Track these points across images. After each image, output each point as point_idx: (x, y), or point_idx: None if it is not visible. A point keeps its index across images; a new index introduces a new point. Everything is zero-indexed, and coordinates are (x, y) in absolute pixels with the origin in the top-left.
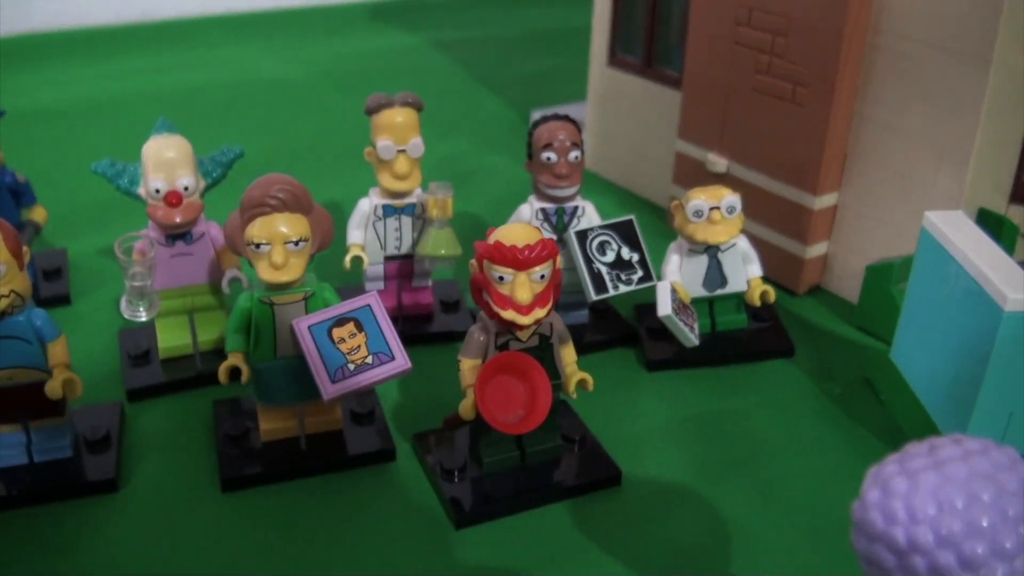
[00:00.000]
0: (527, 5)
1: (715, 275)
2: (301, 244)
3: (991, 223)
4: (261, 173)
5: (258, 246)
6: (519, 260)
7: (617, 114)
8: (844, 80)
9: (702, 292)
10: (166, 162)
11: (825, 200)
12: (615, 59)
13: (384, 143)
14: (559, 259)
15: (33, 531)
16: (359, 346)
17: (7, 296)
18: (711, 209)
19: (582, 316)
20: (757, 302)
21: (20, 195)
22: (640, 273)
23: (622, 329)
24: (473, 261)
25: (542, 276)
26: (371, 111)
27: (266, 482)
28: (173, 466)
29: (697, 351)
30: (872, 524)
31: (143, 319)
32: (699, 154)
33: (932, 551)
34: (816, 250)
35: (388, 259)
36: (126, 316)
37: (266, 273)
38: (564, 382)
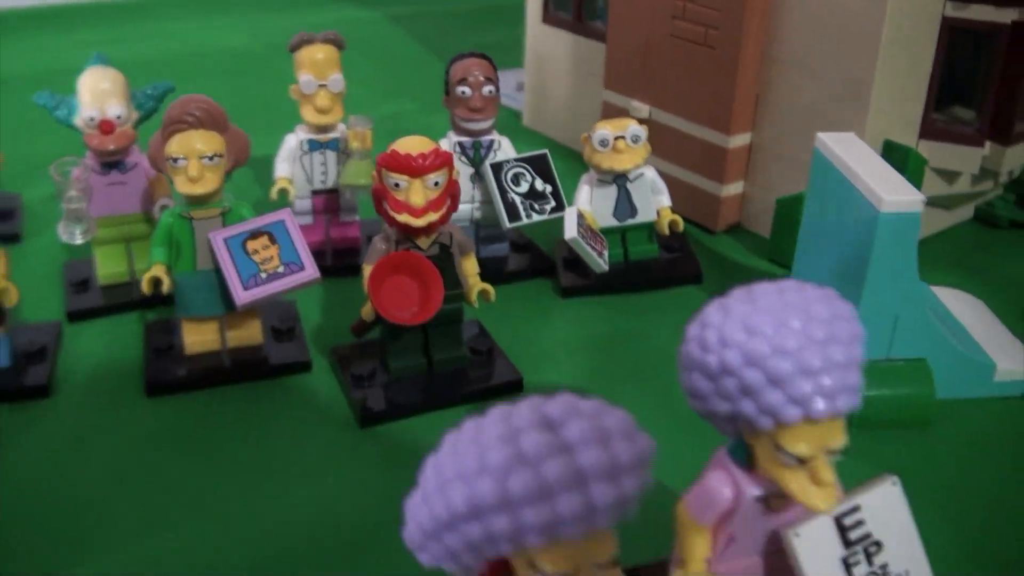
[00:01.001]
0: None
1: (624, 205)
2: (215, 159)
3: (896, 154)
4: None
5: (175, 160)
6: (413, 167)
7: (552, 71)
8: (752, 21)
9: (613, 222)
10: (100, 92)
11: (738, 140)
12: (548, 16)
13: (305, 78)
14: (455, 170)
15: None
16: (271, 256)
17: None
18: (616, 138)
19: (502, 249)
20: (666, 231)
21: None
22: (553, 203)
23: (541, 261)
24: (374, 173)
25: (436, 183)
26: (294, 48)
27: (188, 388)
28: (104, 376)
29: (609, 278)
30: (690, 355)
31: (79, 242)
32: (624, 103)
33: (740, 370)
34: (732, 189)
35: (315, 193)
36: (63, 239)
37: (183, 186)
38: (466, 291)
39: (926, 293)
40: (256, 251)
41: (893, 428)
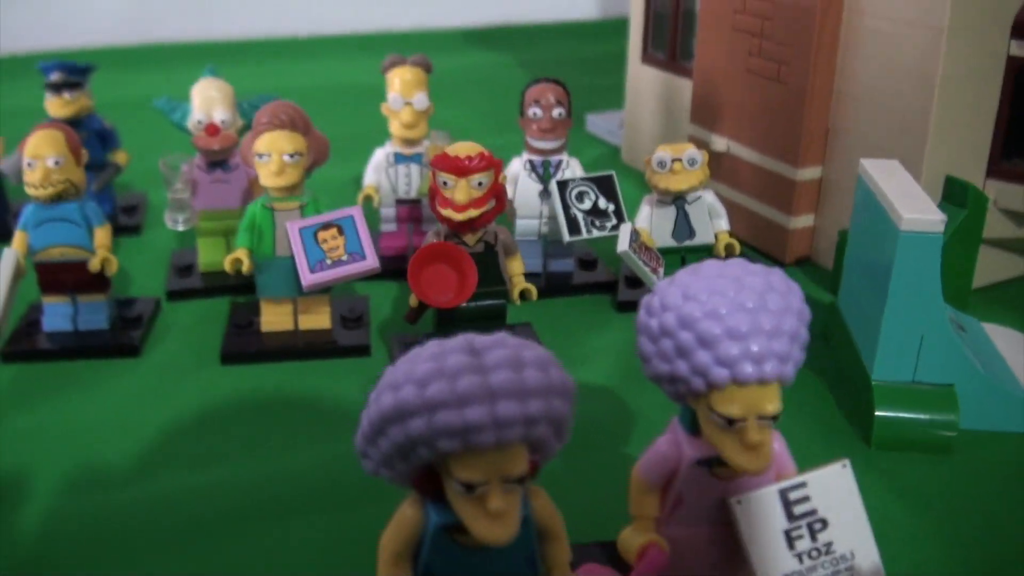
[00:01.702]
0: (597, 33)
1: (683, 226)
2: (296, 157)
3: (956, 190)
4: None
5: (261, 156)
6: (459, 167)
7: (647, 109)
8: (820, 56)
9: (672, 243)
10: (208, 99)
11: (807, 173)
12: (647, 56)
13: (393, 96)
14: (503, 174)
15: (71, 378)
16: (338, 247)
17: (63, 183)
18: (673, 160)
19: (568, 264)
20: (722, 253)
21: (106, 139)
22: (614, 221)
23: (605, 278)
24: (429, 174)
25: (480, 183)
26: (385, 69)
27: (258, 360)
28: (189, 345)
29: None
30: (639, 320)
31: (181, 228)
32: (706, 136)
33: (675, 332)
34: (801, 222)
35: (399, 202)
36: (168, 225)
37: (267, 179)
38: (509, 289)
39: (962, 320)
40: (325, 241)
41: (913, 451)
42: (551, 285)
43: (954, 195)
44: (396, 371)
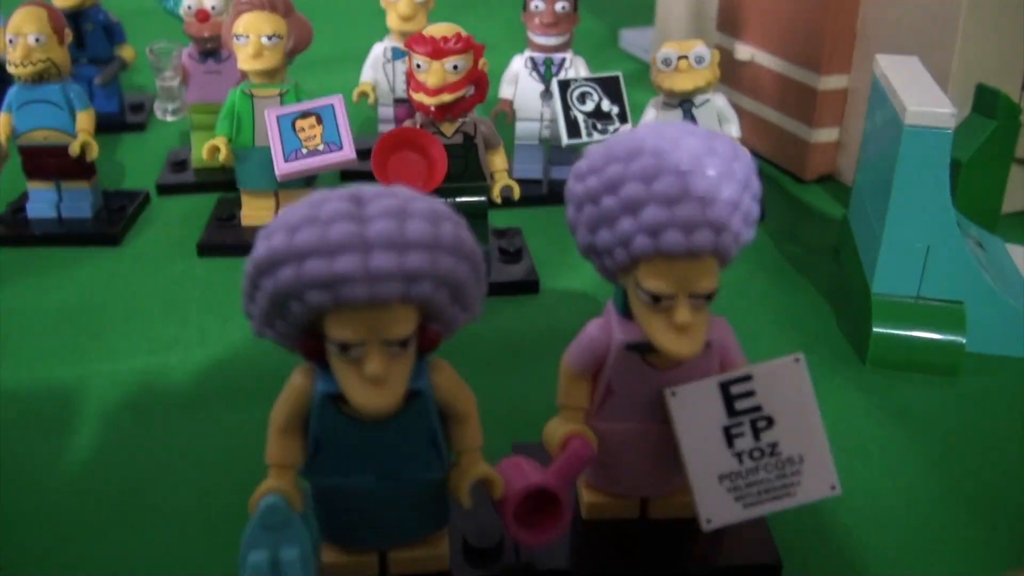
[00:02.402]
0: None
1: None
2: (274, 39)
3: (987, 99)
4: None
5: (239, 38)
6: (434, 48)
7: (677, 18)
8: None
9: None
10: None
11: (831, 81)
12: None
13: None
14: (483, 60)
15: (49, 263)
16: (315, 136)
17: (44, 62)
18: (679, 58)
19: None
20: None
21: (112, 33)
22: (617, 124)
23: None
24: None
25: (455, 67)
26: None
27: (235, 253)
28: (171, 237)
29: None
30: (566, 189)
31: (171, 119)
32: (731, 45)
33: (599, 197)
34: (823, 135)
35: (397, 102)
36: (157, 115)
37: (244, 62)
38: (490, 185)
39: (982, 238)
40: (303, 129)
41: (914, 372)
42: (553, 192)
43: (985, 105)
44: (275, 219)
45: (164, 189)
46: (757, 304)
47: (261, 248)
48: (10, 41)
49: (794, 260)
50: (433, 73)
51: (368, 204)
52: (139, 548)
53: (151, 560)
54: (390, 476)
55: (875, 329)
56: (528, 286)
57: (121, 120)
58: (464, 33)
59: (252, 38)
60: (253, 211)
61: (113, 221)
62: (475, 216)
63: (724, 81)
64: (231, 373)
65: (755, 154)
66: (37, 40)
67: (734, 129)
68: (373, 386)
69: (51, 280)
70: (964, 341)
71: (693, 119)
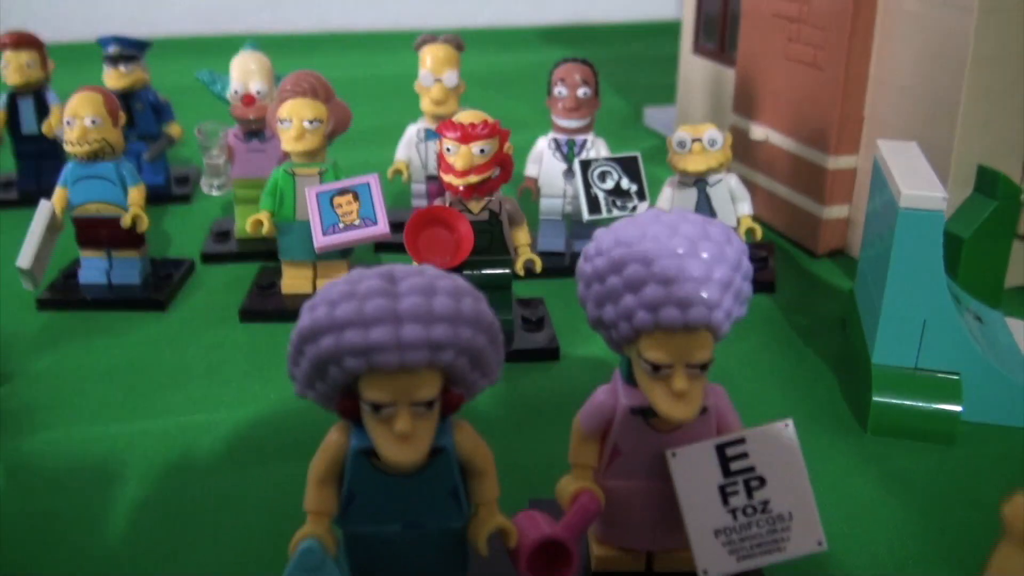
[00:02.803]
0: (675, 31)
1: (704, 208)
2: (315, 123)
3: (987, 180)
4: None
5: (283, 122)
6: (462, 133)
7: (697, 99)
8: (855, 41)
9: None
10: (246, 71)
11: (841, 161)
12: (698, 46)
13: (424, 72)
14: (508, 144)
15: (98, 327)
16: (352, 211)
17: (99, 142)
18: (693, 141)
19: None
20: (742, 237)
21: (161, 112)
22: (636, 203)
23: None
24: None
25: (482, 150)
26: (417, 47)
27: (276, 319)
28: (214, 303)
29: None
30: (577, 268)
31: (216, 193)
32: (746, 125)
33: (605, 276)
34: (835, 212)
35: (429, 179)
36: (203, 189)
37: (287, 144)
38: (514, 258)
39: (981, 312)
40: (340, 205)
41: (912, 439)
42: (575, 265)
43: (986, 185)
44: (317, 294)
45: (208, 258)
46: (766, 374)
47: (305, 319)
48: (68, 123)
49: (802, 331)
50: (461, 156)
51: (400, 282)
52: None
53: None
54: (415, 525)
55: (875, 398)
56: (549, 353)
57: (168, 192)
58: (491, 120)
59: (295, 122)
60: (293, 280)
61: (160, 288)
62: (499, 287)
63: (740, 159)
64: (270, 431)
65: (769, 229)
66: (93, 122)
67: (746, 207)
68: (402, 442)
69: (101, 342)
70: (960, 410)
71: (707, 197)
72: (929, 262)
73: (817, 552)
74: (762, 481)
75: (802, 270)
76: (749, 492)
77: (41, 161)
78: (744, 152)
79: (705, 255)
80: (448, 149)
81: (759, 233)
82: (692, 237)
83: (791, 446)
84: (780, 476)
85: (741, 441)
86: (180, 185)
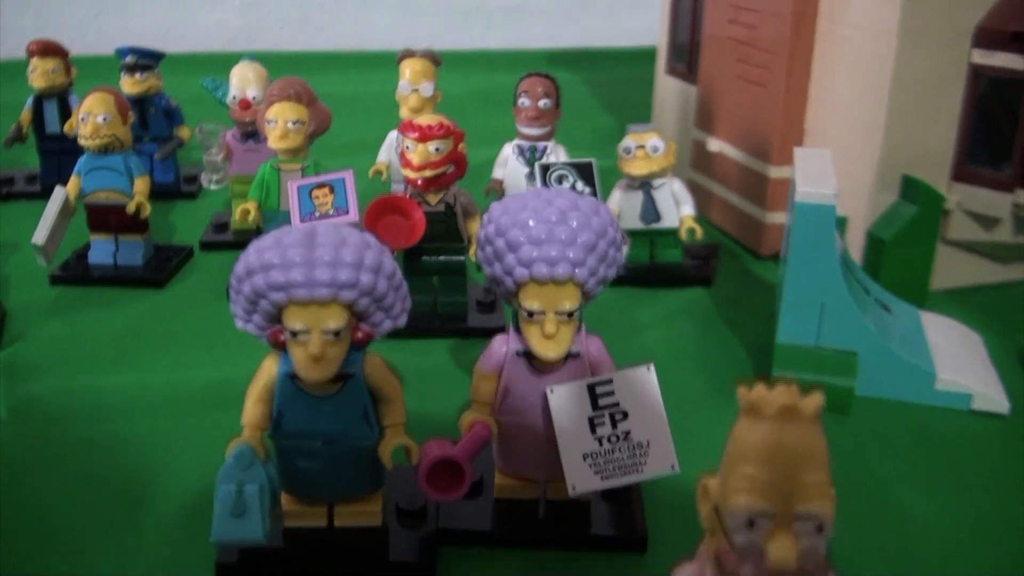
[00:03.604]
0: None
1: (649, 209)
2: (298, 124)
3: (912, 190)
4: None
5: (269, 122)
6: (420, 134)
7: (670, 117)
8: (796, 62)
9: (640, 225)
10: (243, 79)
11: (783, 171)
12: (670, 69)
13: (403, 83)
14: (462, 144)
15: (102, 300)
16: (327, 203)
17: (109, 136)
18: (637, 147)
19: None
20: (684, 236)
21: (172, 116)
22: None
23: None
24: None
25: (437, 149)
26: (399, 60)
27: None
28: (207, 284)
29: (628, 274)
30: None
31: (214, 188)
32: (704, 139)
33: (493, 239)
34: (776, 217)
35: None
36: (203, 183)
37: (273, 142)
38: (468, 246)
39: (889, 302)
40: (317, 197)
41: None
42: None
43: (910, 192)
44: (251, 244)
45: (206, 246)
46: (689, 356)
47: (241, 263)
48: (82, 119)
49: (732, 322)
50: (418, 153)
51: (318, 236)
52: (151, 514)
53: (163, 522)
54: (333, 442)
55: (775, 372)
56: (500, 330)
57: (176, 189)
58: (447, 122)
59: (280, 123)
60: None
61: (160, 269)
62: (454, 272)
63: (699, 170)
64: (240, 386)
65: (721, 232)
66: (104, 119)
67: (688, 208)
68: (314, 362)
69: (103, 312)
70: (853, 384)
71: (652, 199)
72: (823, 250)
73: (670, 475)
74: (625, 415)
75: (744, 269)
76: (614, 423)
77: (62, 158)
78: (703, 163)
79: (573, 223)
80: (408, 147)
81: (700, 232)
82: (563, 208)
83: (651, 386)
84: (641, 411)
85: (609, 381)
86: (188, 183)
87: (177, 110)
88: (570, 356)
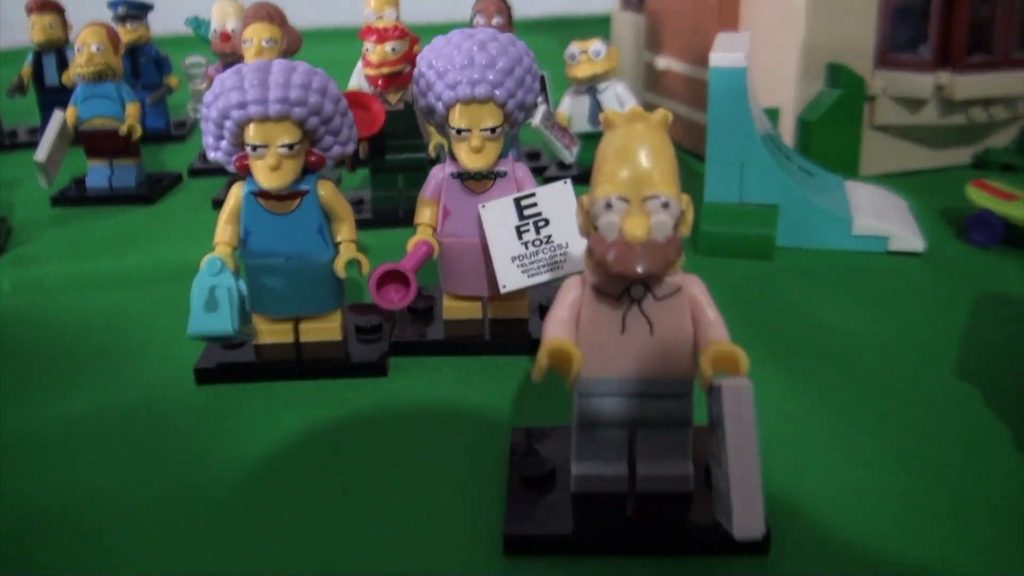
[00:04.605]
0: None
1: (596, 112)
2: (271, 42)
3: (835, 73)
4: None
5: (246, 42)
6: (378, 36)
7: (626, 47)
8: None
9: (589, 127)
10: (223, 12)
11: None
12: (624, 4)
13: (367, 12)
14: (418, 47)
15: (98, 216)
16: None
17: (102, 64)
18: (581, 53)
19: None
20: None
21: (160, 64)
22: (541, 112)
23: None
24: None
25: (393, 49)
26: None
27: None
28: (193, 200)
29: (581, 172)
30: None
31: (199, 116)
32: (653, 59)
33: (425, 72)
34: None
35: None
36: (190, 114)
37: (249, 58)
38: (427, 143)
39: (812, 168)
40: None
41: (737, 257)
42: None
43: (834, 78)
44: (217, 79)
45: (194, 172)
46: None
47: (209, 92)
48: (77, 49)
49: None
50: (377, 53)
51: (272, 66)
52: (132, 352)
53: (143, 350)
54: (294, 257)
55: (702, 229)
56: None
57: (168, 133)
58: (402, 26)
59: (255, 41)
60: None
61: (151, 188)
62: (416, 168)
63: (651, 89)
64: None
65: (676, 145)
66: (98, 48)
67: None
68: (272, 172)
69: (98, 223)
70: (774, 233)
71: (598, 102)
72: (739, 112)
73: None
74: (547, 222)
75: (690, 168)
76: (537, 230)
77: (62, 108)
78: (653, 82)
79: (492, 51)
80: (367, 48)
81: None
82: (483, 40)
83: (569, 198)
84: (560, 219)
85: (532, 195)
86: (178, 128)
87: (166, 59)
88: (498, 176)
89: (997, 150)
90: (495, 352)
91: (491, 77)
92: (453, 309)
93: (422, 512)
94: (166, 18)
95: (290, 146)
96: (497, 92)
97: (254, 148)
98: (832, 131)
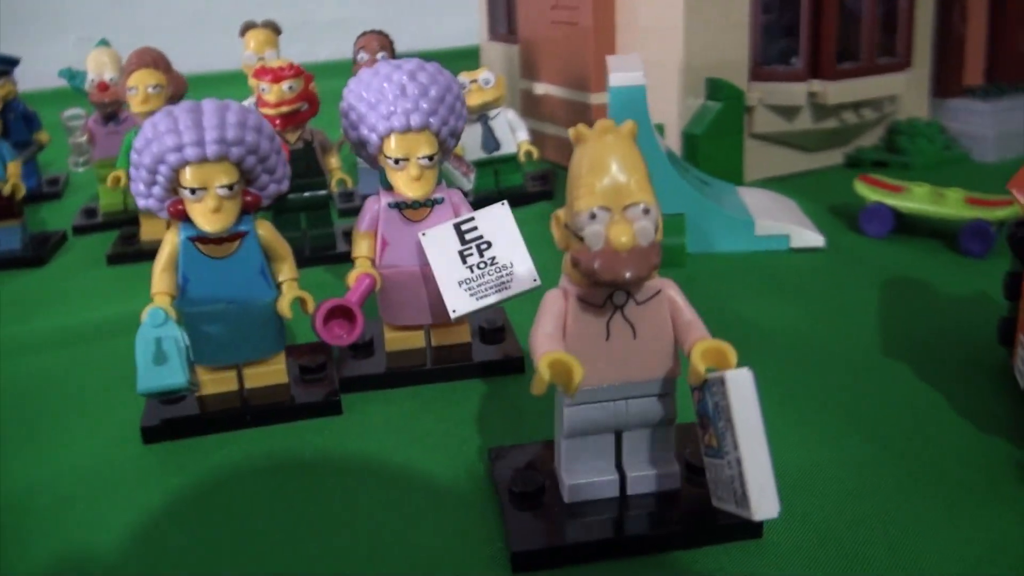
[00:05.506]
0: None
1: (489, 139)
2: (157, 88)
3: (715, 88)
4: None
5: (131, 89)
6: (273, 76)
7: (500, 67)
8: None
9: (482, 155)
10: (99, 63)
11: (601, 97)
12: (493, 35)
13: (247, 54)
14: (313, 84)
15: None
16: None
17: None
18: (471, 82)
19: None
20: (523, 159)
21: (29, 121)
22: None
23: None
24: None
25: (290, 87)
26: (241, 33)
27: (137, 261)
28: (83, 259)
29: (483, 199)
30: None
31: (80, 169)
32: (530, 86)
33: (355, 105)
34: None
35: None
36: (70, 167)
37: (135, 107)
38: (329, 181)
39: (707, 179)
40: None
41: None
42: None
43: (715, 92)
44: (147, 123)
45: (78, 229)
46: (536, 243)
47: (140, 138)
48: None
49: None
50: (274, 93)
51: (204, 107)
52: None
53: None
54: (235, 301)
55: None
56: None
57: (40, 192)
58: (296, 64)
59: (140, 88)
60: (150, 228)
61: (38, 249)
62: (318, 207)
63: (530, 115)
64: (126, 320)
65: (558, 166)
66: None
67: (523, 134)
68: (213, 214)
69: None
70: (684, 241)
71: (490, 129)
72: (641, 128)
73: (534, 288)
74: (489, 244)
75: None
76: (480, 253)
77: None
78: (532, 108)
79: (423, 81)
80: (263, 89)
81: (536, 154)
82: (412, 69)
83: (507, 219)
84: (502, 239)
85: (472, 219)
86: (50, 185)
87: (34, 115)
88: (436, 203)
89: (867, 149)
90: (443, 379)
91: (425, 106)
92: (396, 340)
93: (419, 541)
94: (31, 73)
95: (229, 187)
96: (431, 120)
97: (192, 191)
98: (717, 142)
